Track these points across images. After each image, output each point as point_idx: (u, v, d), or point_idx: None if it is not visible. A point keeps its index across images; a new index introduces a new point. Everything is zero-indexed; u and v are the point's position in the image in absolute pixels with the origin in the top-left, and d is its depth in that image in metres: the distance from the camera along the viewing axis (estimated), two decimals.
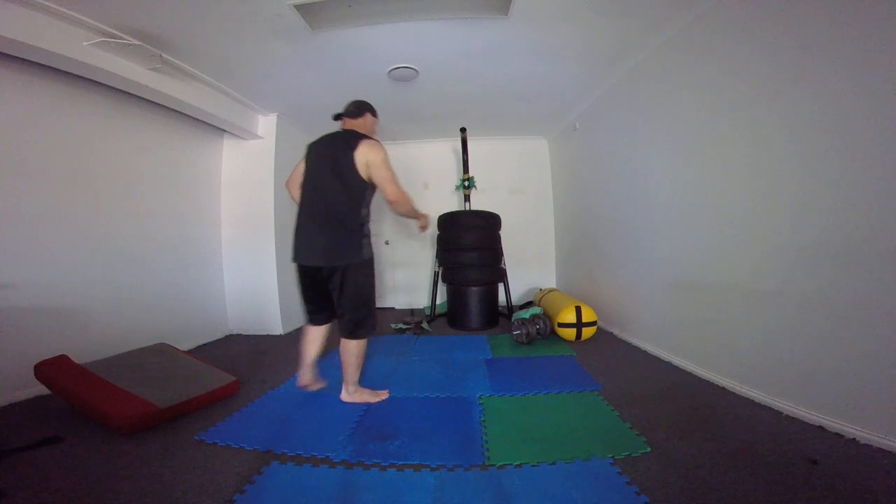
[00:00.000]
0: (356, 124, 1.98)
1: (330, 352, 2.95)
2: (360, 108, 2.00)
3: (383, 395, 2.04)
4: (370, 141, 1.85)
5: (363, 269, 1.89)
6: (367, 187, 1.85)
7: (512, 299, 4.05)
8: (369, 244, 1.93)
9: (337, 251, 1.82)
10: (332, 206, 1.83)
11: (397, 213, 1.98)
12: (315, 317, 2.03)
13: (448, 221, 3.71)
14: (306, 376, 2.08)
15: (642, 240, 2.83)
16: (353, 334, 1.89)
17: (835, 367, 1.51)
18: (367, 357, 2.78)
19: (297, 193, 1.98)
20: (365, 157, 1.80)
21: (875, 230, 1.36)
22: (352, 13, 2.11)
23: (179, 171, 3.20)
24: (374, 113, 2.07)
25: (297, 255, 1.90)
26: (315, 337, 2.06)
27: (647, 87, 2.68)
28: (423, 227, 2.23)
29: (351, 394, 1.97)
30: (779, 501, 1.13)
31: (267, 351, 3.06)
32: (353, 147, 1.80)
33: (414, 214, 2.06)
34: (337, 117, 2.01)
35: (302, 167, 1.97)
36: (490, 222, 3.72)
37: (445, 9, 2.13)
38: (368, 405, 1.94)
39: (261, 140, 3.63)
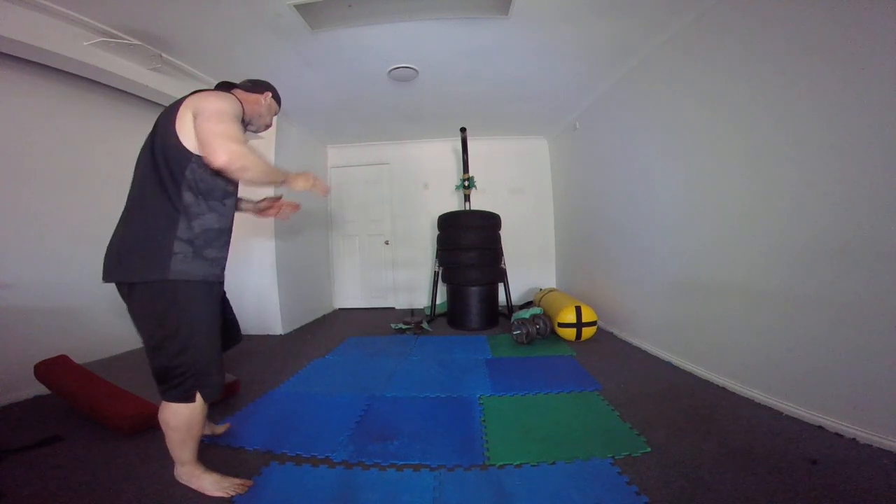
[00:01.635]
0: (244, 97, 1.43)
1: (332, 349, 2.96)
2: (258, 85, 1.52)
3: (238, 486, 1.30)
4: (207, 91, 1.28)
5: (163, 296, 1.19)
6: (192, 157, 1.20)
7: (512, 299, 4.04)
8: (192, 258, 1.22)
9: (125, 257, 1.21)
10: (134, 188, 1.27)
11: (251, 184, 1.28)
12: None
13: (448, 221, 3.71)
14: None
15: (642, 239, 2.83)
16: (161, 393, 1.24)
17: (835, 367, 1.51)
18: (369, 357, 2.79)
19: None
20: (192, 108, 1.19)
21: (873, 230, 1.36)
22: (352, 13, 2.11)
23: None
24: (276, 96, 1.57)
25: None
26: None
27: (646, 87, 2.68)
28: (319, 188, 1.57)
29: (181, 476, 1.32)
30: (779, 501, 1.13)
31: (267, 351, 3.06)
32: (180, 103, 1.23)
33: (279, 178, 1.40)
34: (227, 86, 1.44)
35: None
36: (490, 222, 3.72)
37: (445, 9, 2.13)
38: (369, 404, 1.94)
39: (260, 140, 3.62)
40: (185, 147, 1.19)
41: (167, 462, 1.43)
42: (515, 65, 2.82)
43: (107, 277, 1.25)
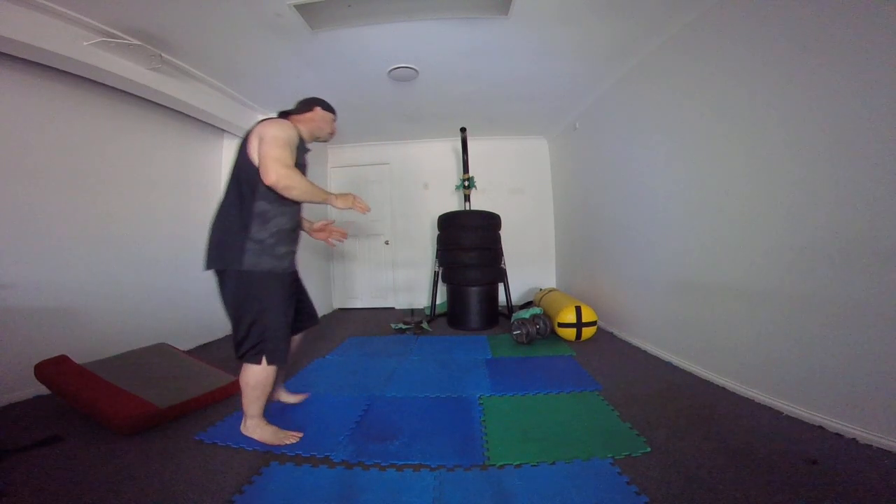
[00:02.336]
0: (299, 119, 1.73)
1: (332, 349, 2.96)
2: (307, 104, 1.77)
3: (291, 437, 1.59)
4: (273, 119, 1.61)
5: (240, 281, 1.52)
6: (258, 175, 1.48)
7: (512, 299, 4.05)
8: (260, 253, 1.51)
9: (213, 251, 1.56)
10: (224, 196, 1.60)
11: (299, 200, 1.57)
12: None
13: (448, 221, 3.71)
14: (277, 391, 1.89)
15: (642, 240, 2.83)
16: (238, 357, 1.59)
17: (835, 367, 1.51)
18: (369, 357, 2.79)
19: None
20: (258, 134, 1.50)
21: (874, 230, 1.36)
22: (352, 13, 2.11)
23: (180, 170, 3.20)
24: (325, 107, 1.80)
25: None
26: None
27: (646, 87, 2.68)
28: (359, 208, 1.72)
29: (247, 428, 1.61)
30: (779, 501, 1.13)
31: None
32: (252, 130, 1.56)
33: (322, 197, 1.57)
34: (285, 114, 1.74)
35: None
36: (490, 222, 3.72)
37: (445, 9, 2.13)
38: (369, 404, 1.94)
39: None
40: (255, 166, 1.50)
41: (167, 462, 1.45)
42: (515, 65, 2.82)
43: (206, 266, 1.59)
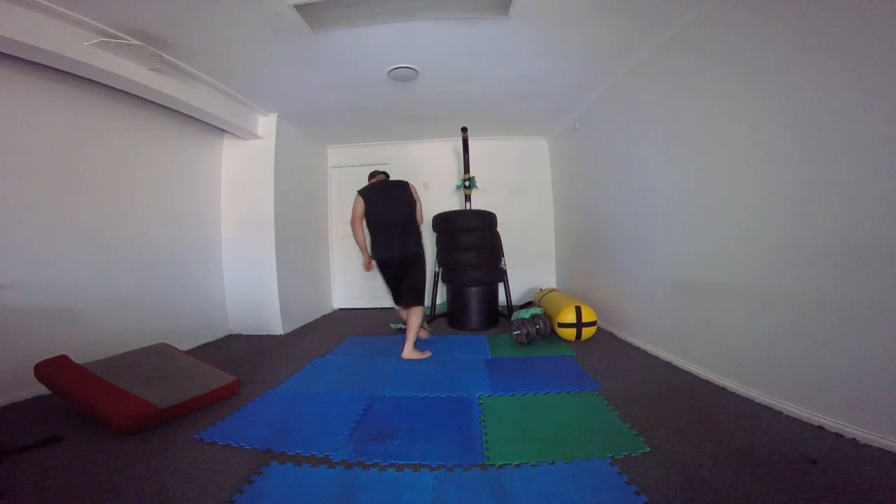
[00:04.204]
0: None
1: (332, 349, 2.97)
2: (386, 174, 3.03)
3: (427, 354, 2.74)
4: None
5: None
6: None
7: (512, 299, 4.04)
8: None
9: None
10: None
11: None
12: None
13: (443, 222, 3.71)
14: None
15: (643, 240, 2.82)
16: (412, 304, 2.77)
17: (835, 368, 1.51)
18: (369, 357, 2.81)
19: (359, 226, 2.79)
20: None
21: (877, 232, 1.36)
22: (352, 13, 2.11)
23: (180, 170, 3.20)
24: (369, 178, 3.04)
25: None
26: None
27: (647, 86, 2.68)
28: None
29: (407, 353, 2.67)
30: (779, 501, 1.13)
31: (267, 351, 3.06)
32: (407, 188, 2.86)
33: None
34: (374, 174, 3.01)
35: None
36: (485, 222, 3.70)
37: (445, 9, 2.13)
38: (369, 404, 1.95)
39: (261, 140, 3.63)
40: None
41: (167, 462, 1.45)
42: (515, 65, 2.82)
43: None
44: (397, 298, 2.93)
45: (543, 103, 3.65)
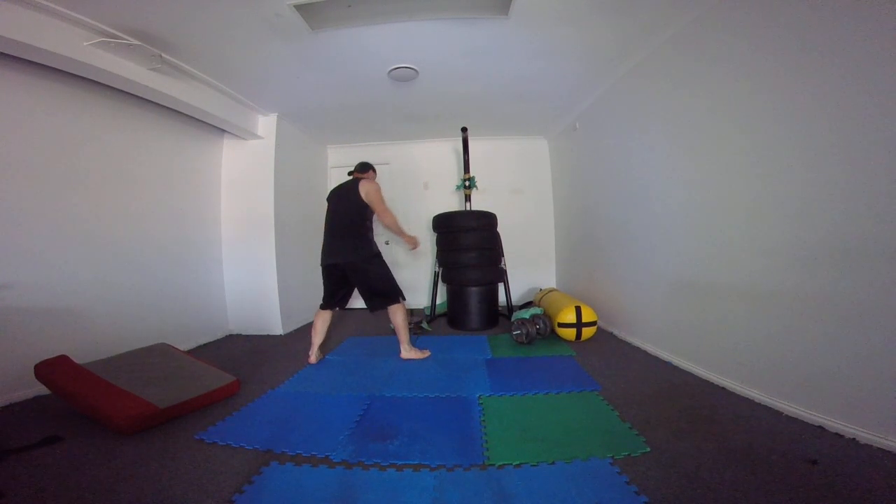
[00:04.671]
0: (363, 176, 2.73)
1: (332, 349, 2.96)
2: (364, 167, 2.81)
3: (426, 353, 2.74)
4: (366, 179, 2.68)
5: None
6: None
7: (512, 299, 4.04)
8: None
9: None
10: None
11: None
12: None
13: (442, 223, 3.71)
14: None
15: (643, 240, 2.82)
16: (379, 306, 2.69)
17: (835, 368, 1.51)
18: (369, 357, 2.81)
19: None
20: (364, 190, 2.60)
21: (876, 232, 1.36)
22: (352, 13, 2.11)
23: (179, 171, 3.20)
24: (373, 169, 2.88)
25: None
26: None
27: (647, 86, 2.68)
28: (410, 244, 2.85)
29: (404, 353, 2.69)
30: (779, 501, 1.13)
31: (267, 351, 3.06)
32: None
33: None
34: (350, 173, 2.79)
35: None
36: (485, 222, 3.70)
37: (445, 9, 2.13)
38: (369, 404, 1.95)
39: (261, 140, 3.63)
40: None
41: (167, 462, 1.45)
42: (515, 65, 2.82)
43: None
44: (327, 303, 2.74)
45: (543, 103, 3.65)
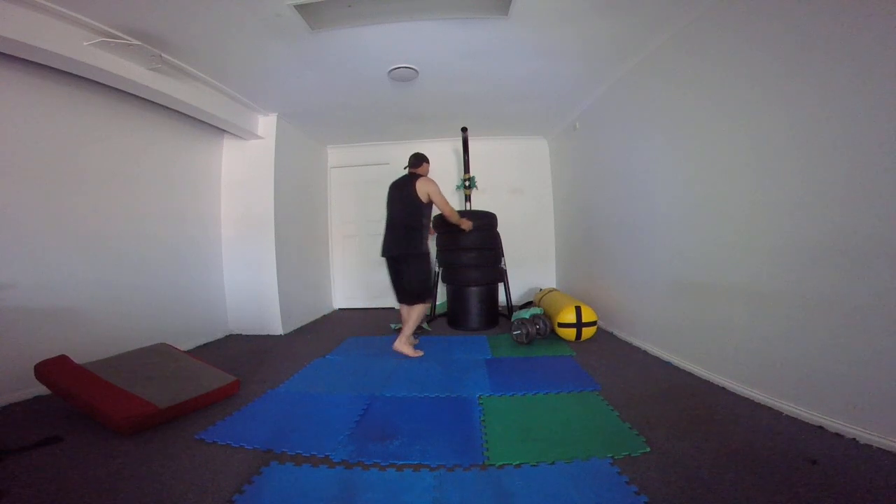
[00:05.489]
0: (418, 170, 2.88)
1: (332, 349, 2.97)
2: (418, 160, 2.90)
3: (419, 353, 2.76)
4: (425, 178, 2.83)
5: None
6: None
7: (512, 299, 4.04)
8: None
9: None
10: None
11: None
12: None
13: (443, 223, 3.70)
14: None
15: (643, 240, 2.82)
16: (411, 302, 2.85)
17: (835, 368, 1.51)
18: (369, 357, 2.81)
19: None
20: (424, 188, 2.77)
21: (877, 231, 1.36)
22: (352, 13, 2.11)
23: (179, 171, 3.20)
24: (427, 160, 2.94)
25: None
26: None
27: (647, 86, 2.68)
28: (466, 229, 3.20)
29: (398, 345, 2.76)
30: (779, 501, 1.13)
31: (267, 351, 3.06)
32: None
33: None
34: (406, 168, 2.94)
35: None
36: (485, 222, 3.68)
37: (445, 9, 2.13)
38: (369, 404, 1.95)
39: (261, 140, 3.63)
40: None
41: (167, 462, 1.45)
42: (515, 65, 2.82)
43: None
44: (398, 297, 2.97)
45: (543, 103, 3.65)
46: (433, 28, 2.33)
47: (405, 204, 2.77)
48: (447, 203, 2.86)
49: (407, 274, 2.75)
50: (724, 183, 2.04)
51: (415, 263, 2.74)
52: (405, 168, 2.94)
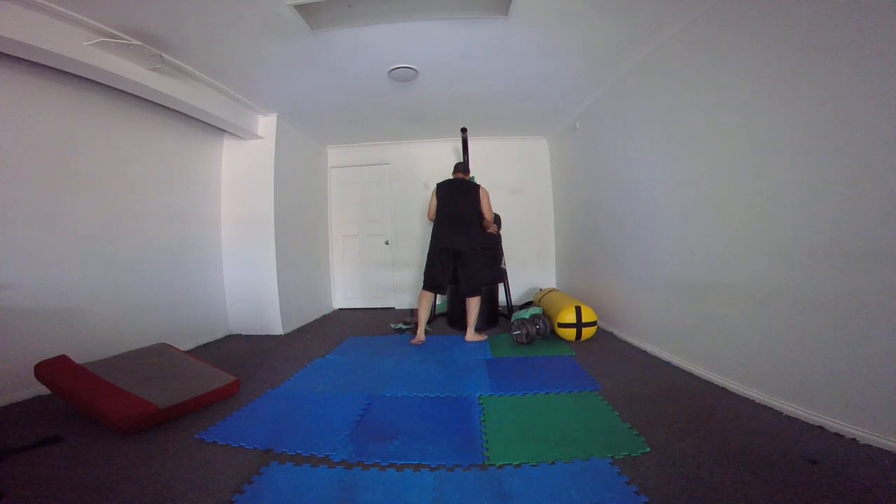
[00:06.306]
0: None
1: (332, 349, 2.97)
2: (466, 168, 3.48)
3: (484, 336, 3.17)
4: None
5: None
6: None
7: (512, 299, 4.04)
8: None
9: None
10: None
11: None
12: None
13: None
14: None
15: (643, 240, 2.82)
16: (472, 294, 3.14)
17: (835, 368, 1.51)
18: (369, 357, 2.82)
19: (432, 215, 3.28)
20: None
21: (877, 232, 1.36)
22: (352, 13, 2.11)
23: (179, 171, 3.20)
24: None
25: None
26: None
27: (647, 86, 2.68)
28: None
29: (470, 336, 3.11)
30: (779, 501, 1.13)
31: (267, 351, 3.06)
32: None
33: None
34: (458, 174, 3.37)
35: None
36: None
37: (445, 9, 2.13)
38: (369, 404, 1.95)
39: (261, 140, 3.63)
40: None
41: (167, 462, 1.45)
42: (515, 65, 2.82)
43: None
44: (430, 285, 3.13)
45: (543, 103, 3.65)
46: (433, 28, 2.33)
47: (470, 205, 3.16)
48: (492, 212, 3.37)
49: (472, 267, 3.06)
50: (724, 183, 2.04)
51: (478, 258, 3.13)
52: (455, 174, 3.35)
